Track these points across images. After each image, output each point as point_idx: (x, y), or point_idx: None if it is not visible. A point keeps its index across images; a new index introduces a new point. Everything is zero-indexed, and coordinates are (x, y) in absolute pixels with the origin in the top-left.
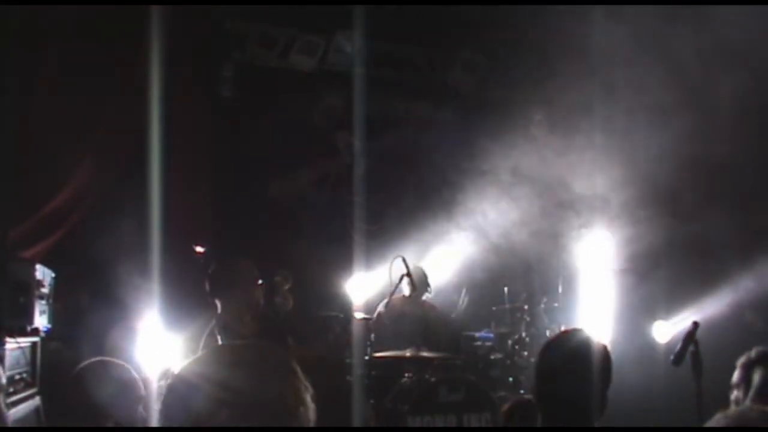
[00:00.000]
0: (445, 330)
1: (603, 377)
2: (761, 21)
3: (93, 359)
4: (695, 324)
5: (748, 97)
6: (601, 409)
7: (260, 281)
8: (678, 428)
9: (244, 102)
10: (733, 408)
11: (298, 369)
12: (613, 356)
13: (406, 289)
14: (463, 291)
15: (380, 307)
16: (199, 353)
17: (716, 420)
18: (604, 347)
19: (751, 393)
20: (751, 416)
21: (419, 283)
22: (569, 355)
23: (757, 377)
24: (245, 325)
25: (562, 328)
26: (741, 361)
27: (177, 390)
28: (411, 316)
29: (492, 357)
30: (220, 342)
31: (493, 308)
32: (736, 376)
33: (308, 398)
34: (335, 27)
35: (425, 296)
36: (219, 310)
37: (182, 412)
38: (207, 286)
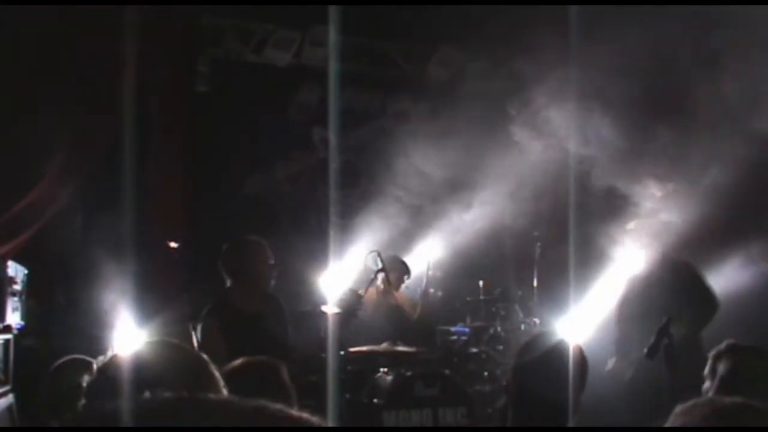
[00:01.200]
0: (419, 321)
1: (578, 382)
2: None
3: (68, 357)
4: (669, 318)
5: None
6: (573, 414)
7: (272, 262)
8: (658, 428)
9: (220, 97)
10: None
11: (210, 363)
12: (588, 348)
13: (380, 282)
14: (428, 265)
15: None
16: (134, 350)
17: (674, 415)
18: (581, 351)
19: (716, 383)
20: (729, 409)
21: (397, 272)
22: (546, 359)
23: (721, 368)
24: (252, 302)
25: (535, 320)
26: (712, 353)
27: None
28: (385, 309)
29: (467, 351)
30: (192, 334)
31: (468, 298)
32: (707, 367)
33: (222, 389)
34: (311, 22)
35: (404, 283)
36: (228, 286)
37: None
38: (220, 263)
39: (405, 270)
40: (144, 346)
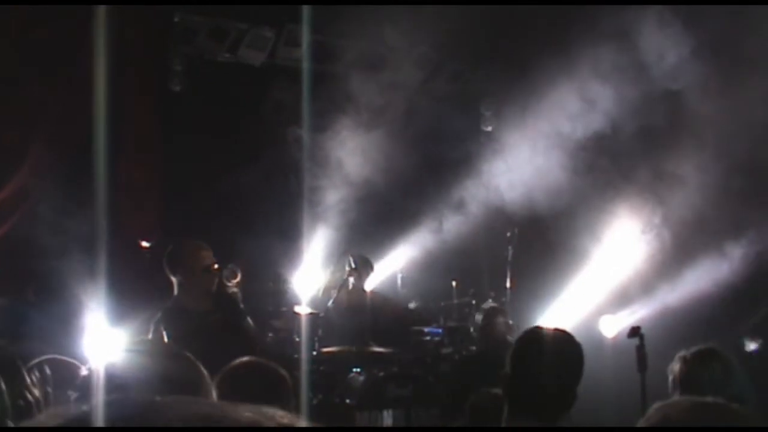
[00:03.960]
0: (393, 319)
1: (577, 373)
2: None
3: (42, 357)
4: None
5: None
6: (569, 405)
7: (216, 265)
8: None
9: (194, 96)
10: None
11: (198, 362)
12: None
13: (350, 282)
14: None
15: (329, 303)
16: (125, 350)
17: (654, 409)
18: (578, 343)
19: (674, 387)
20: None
21: (362, 269)
22: (550, 350)
23: (677, 372)
24: (201, 302)
25: (510, 323)
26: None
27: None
28: (358, 308)
29: (440, 352)
30: (165, 337)
31: (442, 303)
32: (670, 373)
33: (211, 388)
34: (285, 21)
35: (369, 280)
36: (175, 289)
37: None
38: (165, 264)
39: (369, 266)
40: (133, 350)
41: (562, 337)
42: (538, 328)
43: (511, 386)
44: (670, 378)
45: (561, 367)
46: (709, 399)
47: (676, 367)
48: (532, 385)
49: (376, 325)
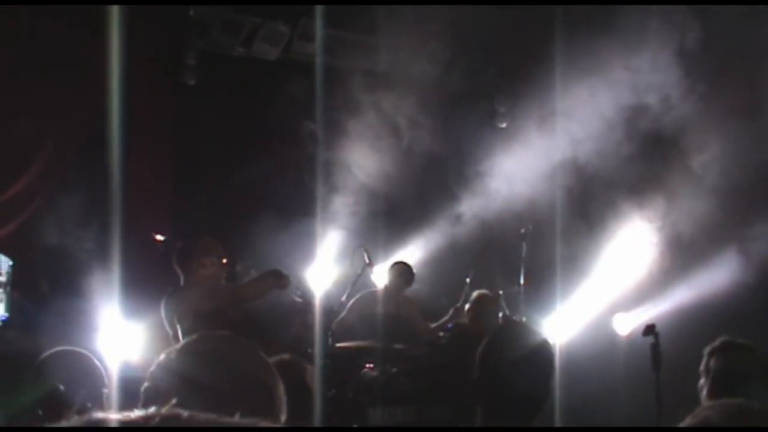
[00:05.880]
0: (418, 323)
1: (549, 372)
2: None
3: (55, 348)
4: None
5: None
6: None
7: (225, 260)
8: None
9: (208, 90)
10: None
11: (267, 358)
12: (573, 347)
13: (377, 279)
14: (467, 284)
15: (343, 298)
16: (178, 345)
17: (692, 416)
18: (547, 341)
19: (710, 380)
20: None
21: (401, 278)
22: (533, 357)
23: (715, 365)
24: (203, 300)
25: (523, 320)
26: (706, 349)
27: (156, 382)
28: (384, 313)
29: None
30: (179, 332)
31: (457, 305)
32: (702, 364)
33: (281, 390)
34: (300, 16)
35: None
36: (182, 282)
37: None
38: (174, 258)
39: (409, 277)
40: (201, 343)
41: (528, 334)
42: (507, 329)
43: (482, 392)
44: (702, 366)
45: (529, 367)
46: (756, 404)
47: (713, 355)
48: (502, 389)
49: (389, 321)
